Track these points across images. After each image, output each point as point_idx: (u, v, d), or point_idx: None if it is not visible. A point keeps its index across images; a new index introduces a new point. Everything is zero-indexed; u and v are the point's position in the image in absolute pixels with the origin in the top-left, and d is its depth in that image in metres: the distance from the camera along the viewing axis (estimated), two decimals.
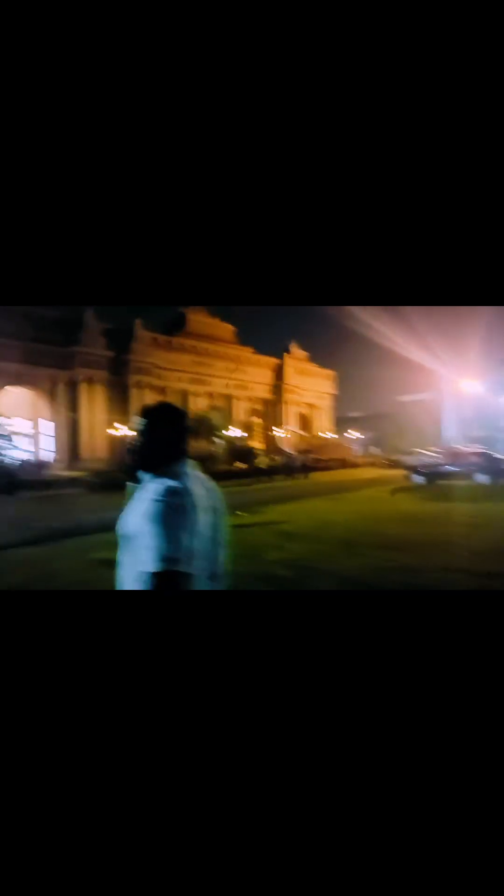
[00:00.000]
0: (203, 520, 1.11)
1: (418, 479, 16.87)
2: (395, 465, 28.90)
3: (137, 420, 1.21)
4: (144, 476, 1.16)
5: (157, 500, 1.06)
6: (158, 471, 1.15)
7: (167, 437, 1.20)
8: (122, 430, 26.91)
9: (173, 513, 1.05)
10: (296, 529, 7.85)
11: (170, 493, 1.08)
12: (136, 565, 1.05)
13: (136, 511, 1.10)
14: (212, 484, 1.24)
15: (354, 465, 30.93)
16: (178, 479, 1.12)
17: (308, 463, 28.12)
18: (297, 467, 25.99)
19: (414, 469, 17.94)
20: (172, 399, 33.34)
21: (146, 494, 1.10)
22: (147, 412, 1.23)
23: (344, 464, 30.91)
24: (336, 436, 41.87)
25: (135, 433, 1.22)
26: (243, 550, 6.14)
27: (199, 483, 1.17)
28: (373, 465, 31.49)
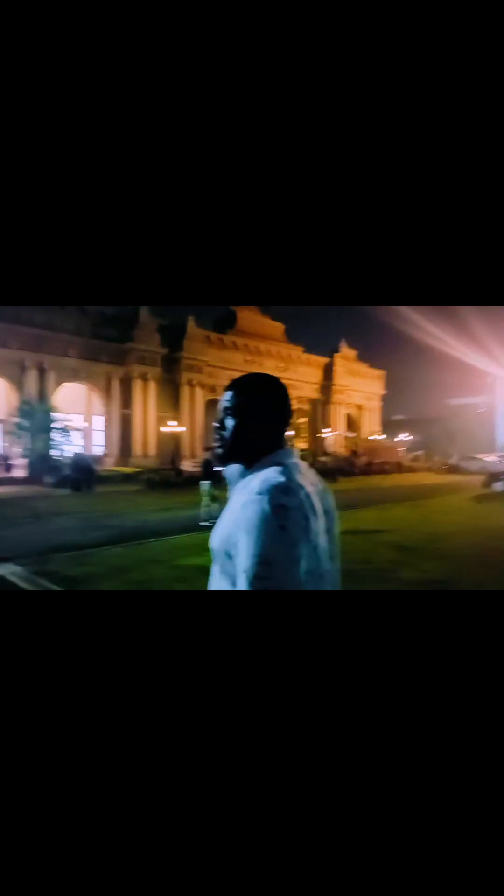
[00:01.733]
0: (317, 528, 0.82)
1: (500, 487, 15.76)
2: (453, 470, 27.67)
3: (225, 397, 0.94)
4: (233, 474, 0.91)
5: (254, 503, 0.78)
6: (256, 463, 0.89)
7: (266, 418, 0.91)
8: (174, 427, 26.85)
9: (279, 519, 0.76)
10: (409, 542, 7.16)
11: (275, 490, 0.79)
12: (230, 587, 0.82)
13: (228, 518, 0.84)
14: (321, 481, 0.94)
15: (410, 470, 29.77)
16: (286, 473, 0.83)
17: (362, 466, 27.36)
18: (352, 471, 25.28)
19: (498, 476, 16.80)
20: None
21: (241, 496, 0.83)
22: (238, 385, 0.94)
23: (399, 468, 29.80)
24: (385, 438, 40.59)
25: (220, 416, 0.94)
26: (367, 567, 5.55)
27: (309, 479, 0.88)
28: (429, 469, 30.26)
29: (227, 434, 0.93)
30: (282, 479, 0.82)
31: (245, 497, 0.81)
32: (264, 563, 0.75)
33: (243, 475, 0.89)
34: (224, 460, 0.94)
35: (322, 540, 0.85)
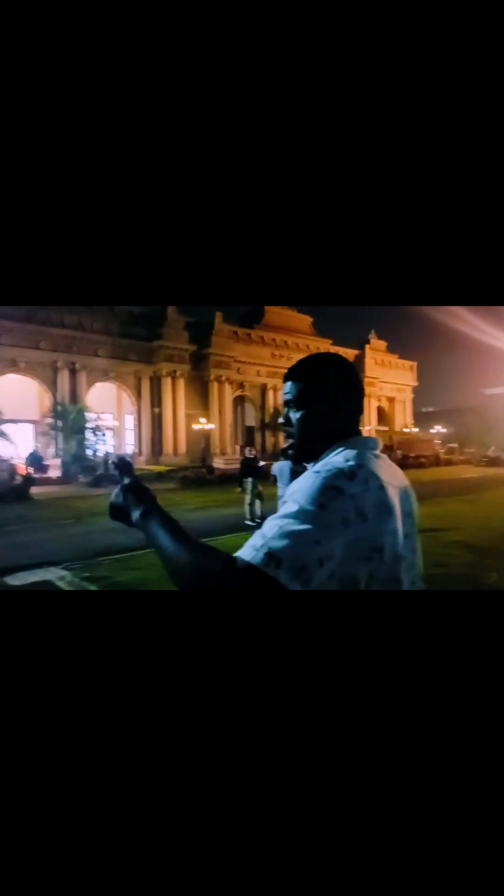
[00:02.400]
0: (387, 529, 0.72)
1: None
2: (493, 462, 26.53)
3: (285, 389, 0.86)
4: (283, 470, 0.79)
5: (306, 476, 0.72)
6: (325, 453, 0.80)
7: (333, 402, 0.82)
8: (204, 425, 26.64)
9: (324, 497, 0.68)
10: (479, 542, 6.57)
11: (336, 470, 0.72)
12: None
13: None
14: (405, 481, 0.84)
15: (448, 463, 28.70)
16: (357, 458, 0.74)
17: (398, 461, 26.49)
18: None
19: None
20: (252, 395, 32.94)
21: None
22: (296, 371, 0.84)
23: (437, 461, 28.78)
24: (418, 431, 39.40)
25: (284, 411, 0.86)
26: (443, 573, 5.01)
27: (389, 474, 0.77)
28: (467, 462, 29.12)
29: (293, 430, 0.83)
30: (350, 462, 0.73)
31: (316, 467, 0.73)
32: (292, 534, 0.65)
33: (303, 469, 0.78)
34: (297, 459, 0.84)
35: (398, 544, 0.74)
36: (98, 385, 26.98)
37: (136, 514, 0.80)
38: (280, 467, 6.46)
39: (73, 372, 25.64)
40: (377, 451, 0.80)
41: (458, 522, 8.10)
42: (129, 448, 28.63)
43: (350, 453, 0.76)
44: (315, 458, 0.81)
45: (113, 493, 0.85)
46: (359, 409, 0.85)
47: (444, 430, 39.09)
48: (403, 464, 26.12)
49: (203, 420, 27.35)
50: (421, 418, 44.46)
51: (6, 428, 20.36)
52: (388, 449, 31.36)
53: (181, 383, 28.87)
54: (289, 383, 0.85)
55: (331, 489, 0.69)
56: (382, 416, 41.12)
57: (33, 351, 24.14)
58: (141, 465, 25.47)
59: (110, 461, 18.38)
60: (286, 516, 0.68)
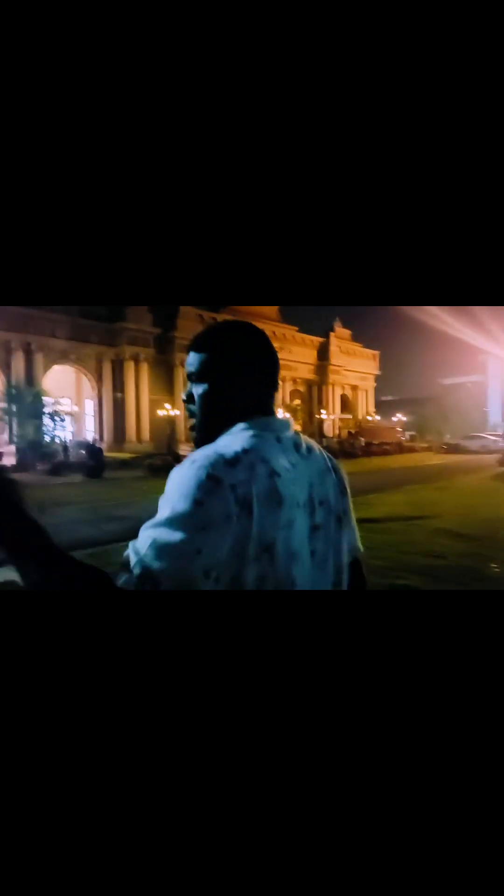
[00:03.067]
0: (283, 520, 0.65)
1: None
2: (453, 449, 27.31)
3: (188, 361, 0.78)
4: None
5: (178, 468, 0.64)
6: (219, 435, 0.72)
7: (239, 377, 0.75)
8: (169, 411, 25.87)
9: (200, 492, 0.61)
10: (466, 529, 6.46)
11: (215, 458, 0.64)
12: None
13: None
14: (326, 460, 0.78)
15: (411, 450, 29.30)
16: (247, 442, 0.67)
17: (362, 448, 26.91)
18: (354, 453, 24.79)
19: None
20: None
21: None
22: (200, 340, 0.77)
23: (400, 449, 29.31)
24: (380, 419, 40.06)
25: (188, 387, 0.80)
26: (444, 563, 4.79)
27: (291, 458, 0.71)
28: (429, 449, 29.83)
29: (195, 407, 0.76)
30: (235, 447, 0.66)
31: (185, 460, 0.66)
32: (155, 547, 0.58)
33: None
34: (200, 441, 0.74)
35: (292, 539, 0.66)
36: (56, 368, 25.58)
37: None
38: None
39: (29, 353, 24.15)
40: (284, 433, 0.72)
41: (438, 510, 8.04)
42: (89, 435, 27.45)
43: (241, 436, 0.68)
44: (212, 440, 0.71)
45: None
46: (270, 385, 0.76)
47: (405, 419, 39.95)
48: (368, 451, 26.45)
49: (168, 406, 26.54)
50: (381, 407, 45.25)
51: None
52: (353, 436, 31.74)
53: (145, 367, 27.86)
54: (191, 354, 0.76)
55: (208, 480, 0.61)
56: (346, 404, 41.53)
57: None
58: (104, 452, 24.50)
59: (78, 449, 17.39)
60: (159, 524, 0.60)
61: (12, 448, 20.98)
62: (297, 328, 37.80)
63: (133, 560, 0.59)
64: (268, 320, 35.39)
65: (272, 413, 0.75)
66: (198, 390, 0.75)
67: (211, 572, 0.60)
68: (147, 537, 0.60)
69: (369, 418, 39.75)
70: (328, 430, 34.11)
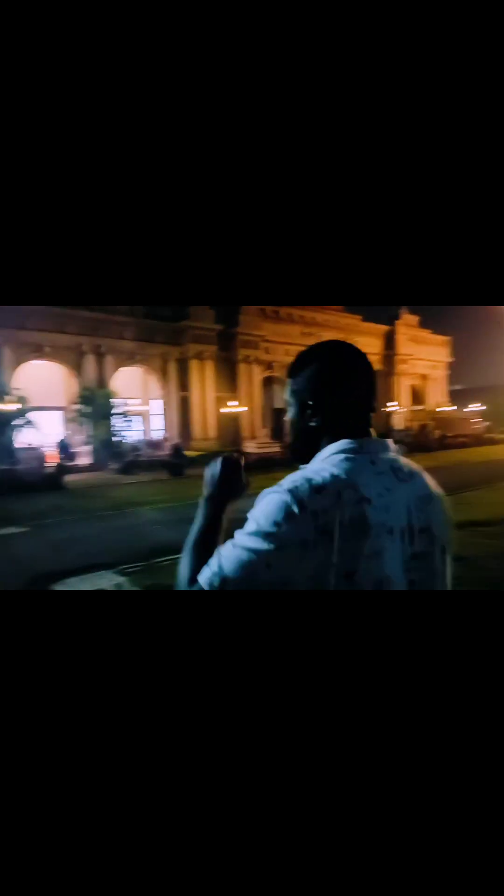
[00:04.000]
0: (373, 550, 0.65)
1: None
2: None
3: (288, 383, 0.80)
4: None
5: (266, 493, 0.68)
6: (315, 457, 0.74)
7: (325, 399, 0.75)
8: (234, 408, 25.68)
9: (289, 517, 0.63)
10: None
11: (302, 483, 0.66)
12: None
13: None
14: (425, 484, 0.74)
15: (490, 442, 27.15)
16: (338, 466, 0.68)
17: (437, 441, 25.30)
18: (429, 446, 23.33)
19: None
20: (281, 375, 31.80)
21: None
22: (292, 366, 0.80)
23: (478, 441, 27.26)
24: (456, 409, 37.60)
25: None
26: None
27: (388, 482, 0.69)
28: None
29: (290, 428, 0.79)
30: (325, 473, 0.66)
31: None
32: (230, 554, 0.65)
33: None
34: (294, 462, 0.77)
35: (381, 568, 0.65)
36: (122, 370, 26.25)
37: (205, 492, 0.81)
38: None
39: (100, 356, 24.92)
40: (380, 456, 0.71)
41: None
42: (157, 434, 27.98)
43: (332, 459, 0.69)
44: (307, 461, 0.74)
45: (216, 462, 0.84)
46: (366, 405, 0.76)
47: (482, 408, 37.21)
48: (444, 444, 24.82)
49: (233, 402, 26.38)
50: (453, 396, 42.51)
51: (33, 416, 19.82)
52: (426, 428, 29.95)
53: (209, 365, 27.89)
54: (290, 378, 0.80)
55: (291, 505, 0.63)
56: (416, 395, 39.41)
57: (58, 335, 23.44)
58: (169, 450, 24.80)
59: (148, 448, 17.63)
60: (242, 535, 0.66)
61: (88, 448, 21.74)
62: (361, 317, 36.31)
63: (216, 564, 0.65)
64: (331, 310, 34.30)
65: (368, 434, 0.74)
66: (291, 412, 0.77)
67: (277, 587, 0.62)
68: (230, 545, 0.66)
69: (441, 409, 37.41)
70: (398, 423, 32.49)
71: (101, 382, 24.39)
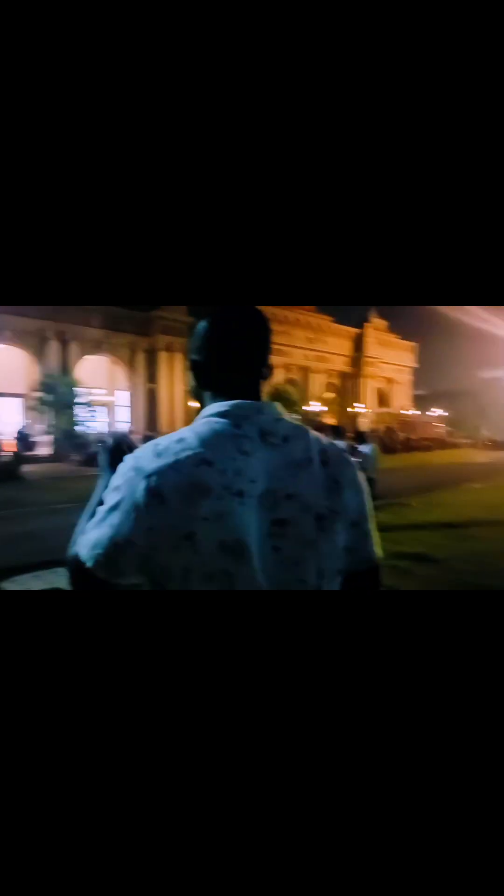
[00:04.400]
0: (210, 512, 0.63)
1: None
2: (499, 446, 25.88)
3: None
4: None
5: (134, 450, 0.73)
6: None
7: (198, 363, 0.77)
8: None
9: (117, 481, 0.68)
10: None
11: (140, 451, 0.69)
12: None
13: None
14: (303, 450, 0.71)
15: (453, 446, 27.97)
16: (182, 432, 0.69)
17: (402, 443, 25.83)
18: (394, 448, 23.76)
19: None
20: None
21: None
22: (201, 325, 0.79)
23: (442, 444, 28.02)
24: (419, 413, 38.55)
25: None
26: None
27: (243, 444, 0.67)
28: (473, 446, 28.43)
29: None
30: (173, 437, 0.68)
31: None
32: (84, 523, 0.72)
33: None
34: None
35: (236, 530, 0.63)
36: (88, 358, 25.35)
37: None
38: None
39: (64, 342, 23.95)
40: (249, 419, 0.69)
41: None
42: (122, 425, 27.23)
43: (194, 424, 0.70)
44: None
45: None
46: (240, 368, 0.74)
47: (444, 413, 38.31)
48: (408, 446, 25.34)
49: None
50: (415, 401, 43.60)
51: None
52: (391, 430, 30.53)
53: (178, 357, 27.35)
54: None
55: (130, 469, 0.67)
56: (382, 398, 40.16)
57: (20, 318, 22.32)
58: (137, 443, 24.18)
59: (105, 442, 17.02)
60: (90, 505, 0.74)
61: (48, 438, 20.85)
62: (332, 318, 36.63)
63: (69, 554, 0.72)
64: (303, 310, 34.40)
65: (245, 397, 0.71)
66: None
67: (126, 548, 0.65)
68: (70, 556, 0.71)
69: (405, 412, 38.27)
70: (364, 424, 33.04)
71: (65, 370, 23.44)
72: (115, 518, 0.65)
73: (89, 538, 0.68)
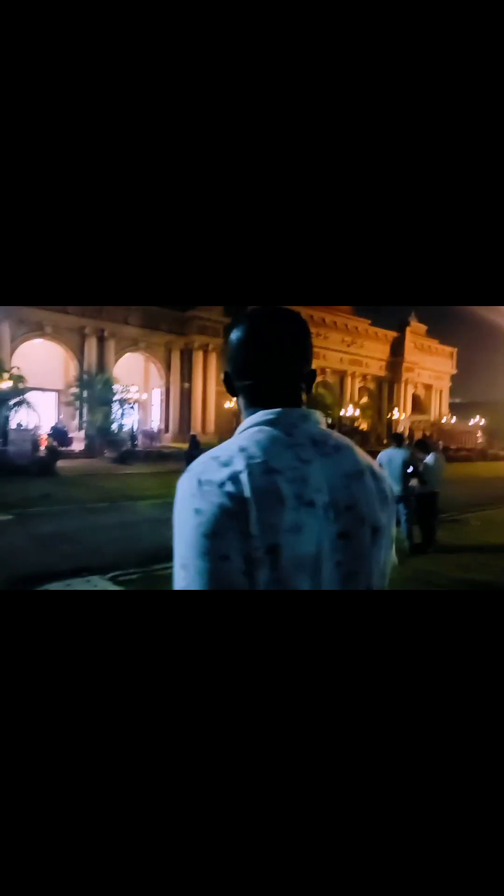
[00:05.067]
0: (298, 520, 0.59)
1: None
2: None
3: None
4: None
5: (180, 483, 0.64)
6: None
7: (231, 372, 0.73)
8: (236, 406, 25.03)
9: (194, 501, 0.60)
10: None
11: (201, 462, 0.63)
12: None
13: None
14: (355, 460, 0.67)
15: (495, 458, 26.69)
16: (241, 440, 0.64)
17: (443, 452, 24.75)
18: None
19: None
20: None
21: None
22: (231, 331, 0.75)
23: (483, 456, 26.80)
24: (457, 421, 37.12)
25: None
26: None
27: (299, 452, 0.63)
28: None
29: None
30: (229, 447, 0.63)
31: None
32: (180, 563, 0.61)
33: None
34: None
35: (309, 543, 0.59)
36: (126, 356, 25.52)
37: None
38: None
39: (102, 340, 24.18)
40: (298, 427, 0.65)
41: None
42: (154, 424, 27.29)
43: (243, 434, 0.65)
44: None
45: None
46: (280, 375, 0.69)
47: (483, 422, 36.77)
48: (446, 456, 24.27)
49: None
50: (452, 409, 42.06)
51: (30, 396, 19.08)
52: (428, 438, 29.47)
53: (213, 358, 27.20)
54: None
55: (201, 485, 0.60)
56: (417, 404, 38.92)
57: (61, 315, 22.66)
58: (167, 442, 24.15)
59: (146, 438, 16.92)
60: (176, 548, 0.65)
61: (82, 434, 21.03)
62: (369, 321, 35.75)
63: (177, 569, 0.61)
64: (341, 312, 33.71)
65: (289, 404, 0.68)
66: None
67: (239, 564, 0.58)
68: (176, 564, 0.61)
69: (444, 420, 36.93)
70: (399, 431, 32.05)
71: (102, 367, 23.66)
72: (206, 538, 0.57)
73: (187, 569, 0.58)
